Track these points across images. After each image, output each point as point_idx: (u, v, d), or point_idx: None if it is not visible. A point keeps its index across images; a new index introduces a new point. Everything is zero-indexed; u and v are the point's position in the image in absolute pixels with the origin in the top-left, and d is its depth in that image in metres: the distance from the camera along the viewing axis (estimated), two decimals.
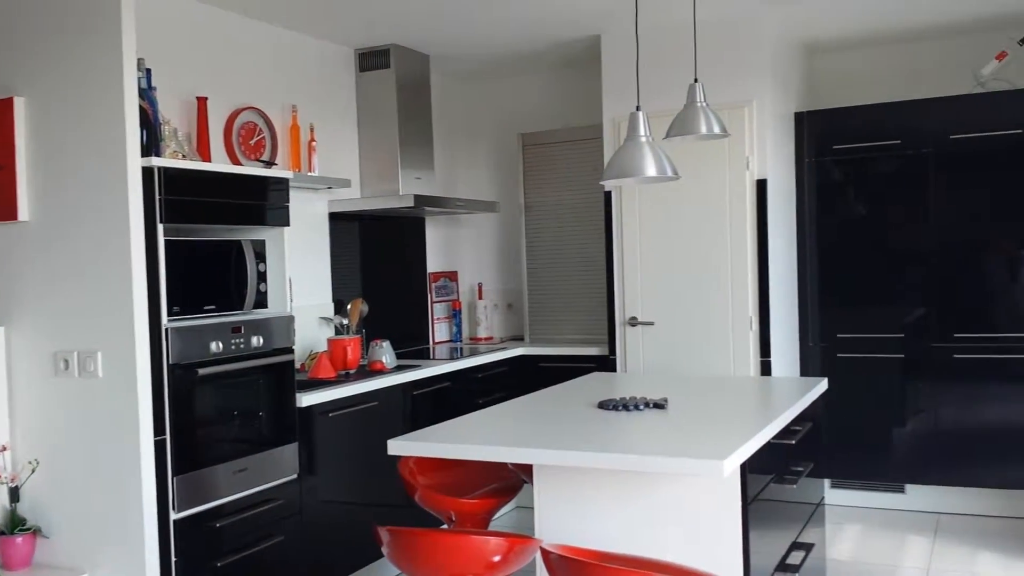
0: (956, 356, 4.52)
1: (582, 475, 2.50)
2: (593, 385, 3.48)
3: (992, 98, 4.43)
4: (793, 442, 2.81)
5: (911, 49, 4.97)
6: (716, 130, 3.27)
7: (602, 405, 2.90)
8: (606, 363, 4.78)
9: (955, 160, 4.50)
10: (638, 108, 2.93)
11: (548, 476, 2.56)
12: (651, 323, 4.63)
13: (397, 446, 2.54)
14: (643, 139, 2.88)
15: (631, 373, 4.32)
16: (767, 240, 4.40)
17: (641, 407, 2.84)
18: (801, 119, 4.83)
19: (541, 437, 2.50)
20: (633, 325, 4.67)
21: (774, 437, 2.70)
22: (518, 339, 5.48)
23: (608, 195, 4.73)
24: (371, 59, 4.74)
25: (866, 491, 4.82)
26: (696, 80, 3.25)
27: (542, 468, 2.56)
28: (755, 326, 4.42)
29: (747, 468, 2.36)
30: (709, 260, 4.50)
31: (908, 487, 4.72)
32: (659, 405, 2.87)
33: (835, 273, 4.78)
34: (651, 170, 2.83)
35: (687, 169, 4.47)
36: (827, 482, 4.88)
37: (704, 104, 3.23)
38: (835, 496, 4.89)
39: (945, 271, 4.55)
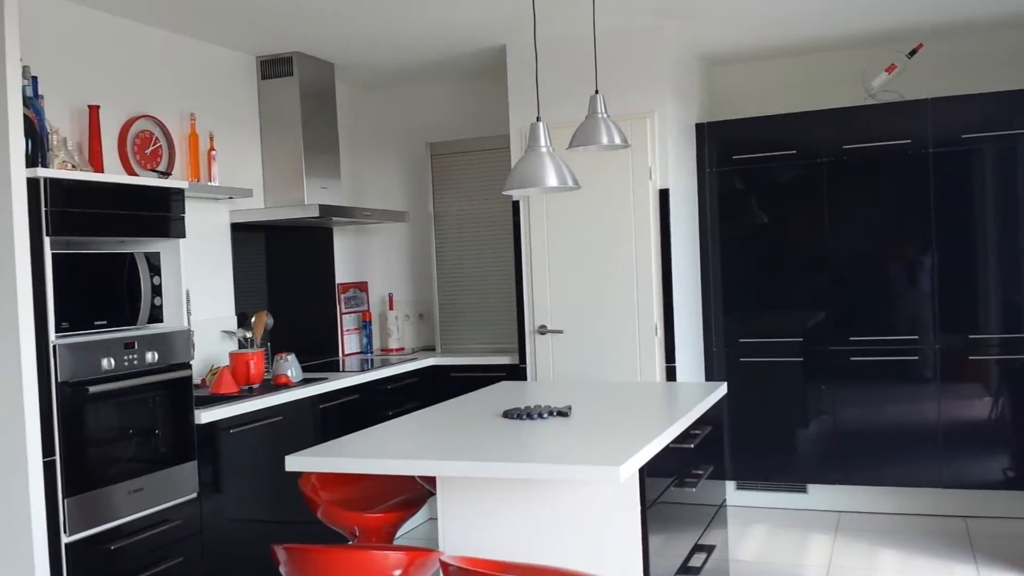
0: (852, 359, 4.69)
1: (485, 485, 2.50)
2: (500, 394, 3.48)
3: (882, 109, 4.61)
4: (692, 446, 2.86)
5: (806, 61, 5.15)
6: (617, 141, 3.32)
7: (506, 414, 2.91)
8: (516, 372, 4.80)
9: (849, 170, 4.67)
10: (538, 119, 2.95)
11: (451, 488, 2.55)
12: (560, 331, 4.67)
13: (295, 462, 2.49)
14: (543, 149, 2.90)
15: (540, 381, 4.34)
16: (670, 248, 4.48)
17: (545, 415, 2.86)
18: (702, 130, 4.95)
19: (443, 449, 2.49)
20: (543, 333, 4.70)
21: (674, 441, 2.75)
22: (430, 349, 5.45)
23: (516, 204, 4.75)
24: (273, 67, 4.66)
25: (770, 492, 4.95)
26: (597, 91, 3.29)
27: (445, 480, 2.55)
28: (660, 332, 4.50)
29: (646, 473, 2.40)
30: (615, 268, 4.56)
31: (810, 487, 4.87)
32: (562, 413, 2.89)
33: (738, 280, 4.91)
34: (552, 180, 2.86)
35: (593, 179, 4.53)
36: (732, 484, 5.00)
37: (605, 115, 3.28)
38: (740, 497, 5.00)
39: (841, 276, 4.71)
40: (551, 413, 2.88)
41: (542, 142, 2.91)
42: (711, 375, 4.95)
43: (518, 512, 2.47)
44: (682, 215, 4.70)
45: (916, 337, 4.60)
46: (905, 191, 4.59)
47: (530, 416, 2.84)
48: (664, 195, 4.49)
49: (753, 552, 4.28)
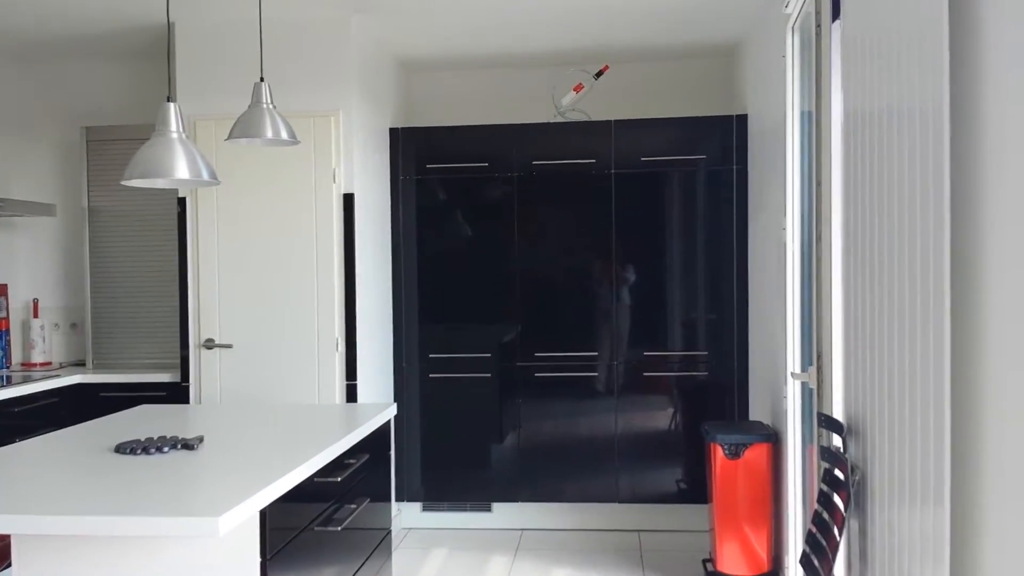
0: (538, 375, 4.65)
1: (72, 541, 2.03)
2: (128, 422, 2.98)
3: (570, 128, 4.63)
4: (339, 479, 2.56)
5: (502, 74, 5.09)
6: (284, 135, 3.00)
7: (119, 448, 2.44)
8: (178, 391, 4.27)
9: (538, 186, 4.63)
10: (170, 99, 2.53)
11: (29, 545, 2.05)
12: (229, 346, 4.20)
13: None
14: (174, 135, 2.49)
15: (196, 404, 3.86)
16: (354, 257, 4.18)
17: (166, 449, 2.43)
18: (396, 135, 4.72)
19: (18, 495, 1.99)
20: (209, 348, 4.21)
21: (321, 473, 2.44)
22: (81, 364, 4.75)
23: (182, 201, 4.23)
24: None
25: (456, 512, 4.79)
26: (262, 79, 2.93)
27: (21, 536, 2.05)
28: (341, 348, 4.18)
29: (268, 517, 2.06)
30: (295, 277, 4.19)
31: (495, 505, 4.76)
32: (188, 445, 2.47)
33: (433, 293, 4.71)
34: (182, 172, 2.45)
35: (270, 178, 4.13)
36: (418, 506, 4.78)
37: (271, 106, 2.93)
38: (426, 519, 4.80)
39: (530, 292, 4.67)
40: (174, 446, 2.46)
41: (173, 127, 2.49)
42: (400, 393, 4.71)
43: (115, 571, 2.03)
44: (372, 223, 4.42)
45: (596, 353, 4.65)
46: (590, 210, 4.63)
47: (147, 450, 2.40)
48: (349, 200, 4.18)
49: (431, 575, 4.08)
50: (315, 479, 2.41)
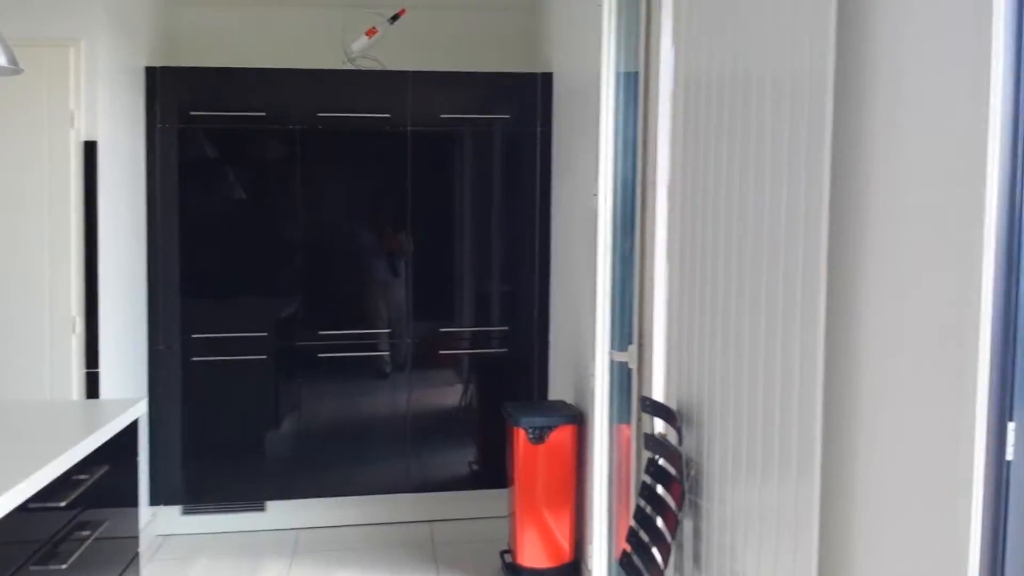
0: (321, 355, 4.14)
1: None
2: None
3: (362, 77, 4.13)
4: (63, 504, 1.97)
5: (286, 14, 4.48)
6: (2, 61, 2.36)
7: None
8: None
9: (324, 141, 4.10)
10: None
11: None
12: None
13: None
14: None
15: None
16: (97, 219, 3.48)
17: None
18: (154, 75, 4.01)
19: None
20: None
21: (40, 497, 1.85)
22: None
23: None
24: None
25: (223, 513, 4.19)
26: None
27: None
28: (80, 328, 3.47)
29: None
30: (21, 241, 3.42)
31: (269, 504, 4.22)
32: None
33: (197, 263, 4.06)
34: None
35: None
36: (178, 509, 4.15)
37: None
38: (187, 524, 4.17)
39: (314, 263, 4.14)
40: None
41: None
42: (156, 381, 4.03)
43: None
44: (121, 178, 3.72)
45: (388, 330, 4.21)
46: (383, 171, 4.17)
47: None
48: (91, 149, 3.47)
49: None
50: (29, 507, 1.82)
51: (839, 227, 1.53)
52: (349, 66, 4.19)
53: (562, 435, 3.60)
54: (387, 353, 4.23)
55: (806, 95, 1.57)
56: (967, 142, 1.21)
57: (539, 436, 3.58)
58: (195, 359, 4.05)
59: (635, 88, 2.82)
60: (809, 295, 1.56)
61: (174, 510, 4.14)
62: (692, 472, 2.17)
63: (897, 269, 1.38)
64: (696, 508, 2.15)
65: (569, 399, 3.84)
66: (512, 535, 3.73)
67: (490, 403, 4.27)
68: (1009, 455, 1.20)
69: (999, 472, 1.20)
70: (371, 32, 4.15)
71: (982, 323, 1.18)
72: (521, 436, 3.58)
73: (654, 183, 2.59)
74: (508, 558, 3.77)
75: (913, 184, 1.34)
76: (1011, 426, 1.19)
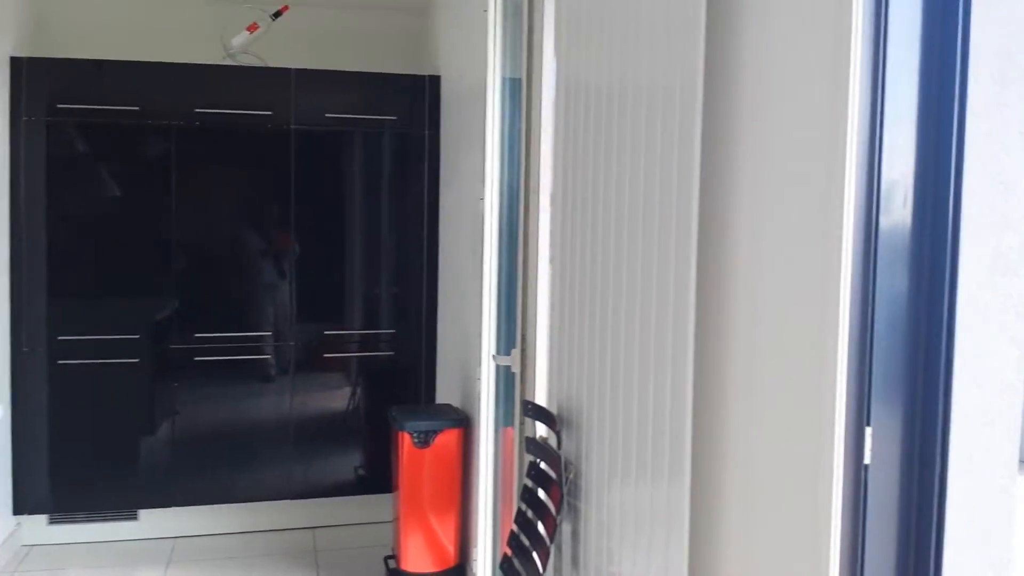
0: (197, 359, 4.01)
1: None
2: None
3: (242, 73, 4.02)
4: None
5: (159, 5, 4.31)
6: None
7: None
8: None
9: (203, 139, 3.97)
10: None
11: None
12: None
13: None
14: None
15: None
16: None
17: None
18: (19, 65, 3.80)
19: None
20: None
21: None
22: None
23: None
24: None
25: (93, 523, 4.01)
26: None
27: None
28: None
29: None
30: None
31: (142, 513, 4.06)
32: None
33: (65, 262, 3.87)
34: None
35: None
36: (44, 519, 3.94)
37: None
38: (54, 534, 3.97)
39: (191, 263, 4.00)
40: None
41: None
42: (20, 385, 3.81)
43: None
44: None
45: (269, 333, 4.12)
46: (265, 171, 4.07)
47: None
48: None
49: None
50: None
51: (708, 232, 1.57)
52: (229, 62, 4.07)
53: (448, 439, 3.59)
54: (270, 356, 4.13)
55: (677, 103, 1.60)
56: (825, 147, 1.25)
57: (424, 440, 3.56)
58: (62, 362, 3.85)
59: (520, 94, 2.84)
60: (679, 300, 1.60)
61: (40, 519, 3.94)
62: (571, 475, 2.20)
63: (762, 276, 1.43)
64: (575, 511, 2.18)
65: (456, 403, 3.84)
66: (396, 540, 3.70)
67: (377, 407, 4.22)
68: (867, 459, 1.24)
69: (858, 474, 1.25)
70: (252, 27, 4.04)
71: (840, 332, 1.23)
72: (406, 440, 3.55)
73: (537, 189, 2.61)
74: (392, 563, 3.74)
75: (775, 188, 1.39)
76: (868, 431, 1.24)
